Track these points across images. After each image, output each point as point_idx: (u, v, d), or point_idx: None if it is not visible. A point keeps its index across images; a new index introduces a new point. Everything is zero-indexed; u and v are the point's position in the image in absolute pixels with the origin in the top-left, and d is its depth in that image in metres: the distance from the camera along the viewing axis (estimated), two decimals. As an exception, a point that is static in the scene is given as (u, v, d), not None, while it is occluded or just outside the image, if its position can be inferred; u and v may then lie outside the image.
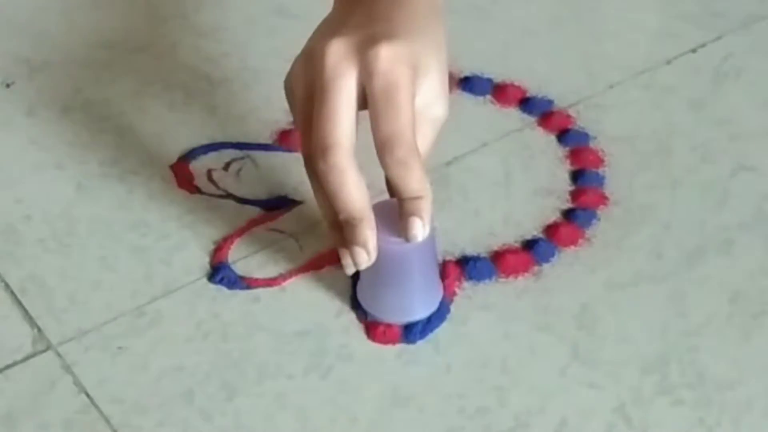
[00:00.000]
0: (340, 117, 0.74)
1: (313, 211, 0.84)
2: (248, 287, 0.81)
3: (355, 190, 0.73)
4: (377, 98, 0.73)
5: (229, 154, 0.90)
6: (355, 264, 0.75)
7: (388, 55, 0.73)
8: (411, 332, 0.78)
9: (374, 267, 0.76)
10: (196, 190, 0.87)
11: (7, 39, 1.01)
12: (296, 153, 0.89)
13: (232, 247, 0.83)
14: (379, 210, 0.75)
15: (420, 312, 0.79)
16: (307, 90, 0.75)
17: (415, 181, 0.74)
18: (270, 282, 0.81)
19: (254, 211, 0.86)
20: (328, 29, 0.76)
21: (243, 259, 0.83)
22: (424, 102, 0.76)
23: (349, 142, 0.74)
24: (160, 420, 0.74)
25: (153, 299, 0.81)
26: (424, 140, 0.77)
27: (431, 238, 0.76)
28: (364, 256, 0.74)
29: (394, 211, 0.75)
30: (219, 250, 0.83)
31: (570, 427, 0.74)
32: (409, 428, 0.74)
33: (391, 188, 0.75)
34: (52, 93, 0.95)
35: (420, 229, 0.75)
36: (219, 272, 0.82)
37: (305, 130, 0.75)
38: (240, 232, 0.85)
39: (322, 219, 0.77)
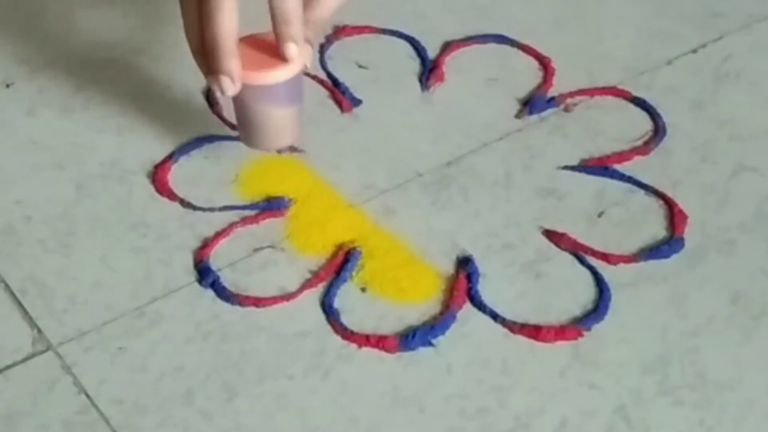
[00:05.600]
0: None
1: (302, 211, 0.85)
2: (240, 305, 0.81)
3: (228, 19, 0.80)
4: None
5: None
6: (221, 91, 0.82)
7: None
8: (407, 343, 0.78)
9: (243, 99, 0.84)
10: (177, 199, 0.87)
11: (7, 39, 1.01)
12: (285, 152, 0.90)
13: (215, 249, 0.83)
14: (245, 45, 0.83)
15: (288, 140, 0.87)
16: None
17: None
18: (263, 301, 0.81)
19: (247, 214, 0.86)
20: None
21: (230, 266, 0.83)
22: None
23: None
24: (160, 420, 0.74)
25: (153, 300, 0.81)
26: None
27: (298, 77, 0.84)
28: (228, 83, 0.82)
29: (261, 46, 0.83)
30: (201, 250, 0.84)
31: (570, 427, 0.74)
32: (410, 429, 0.74)
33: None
34: (52, 93, 0.95)
35: (294, 51, 0.82)
36: (206, 277, 0.82)
37: None
38: (222, 234, 0.85)
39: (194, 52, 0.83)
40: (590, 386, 0.76)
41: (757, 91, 0.96)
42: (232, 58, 0.81)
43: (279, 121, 0.85)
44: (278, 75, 0.83)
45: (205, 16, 0.81)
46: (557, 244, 0.84)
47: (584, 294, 0.81)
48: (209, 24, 0.81)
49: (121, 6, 1.04)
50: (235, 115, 0.87)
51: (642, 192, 0.88)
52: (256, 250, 0.84)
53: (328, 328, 0.79)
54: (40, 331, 0.79)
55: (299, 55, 0.83)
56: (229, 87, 0.82)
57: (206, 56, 0.82)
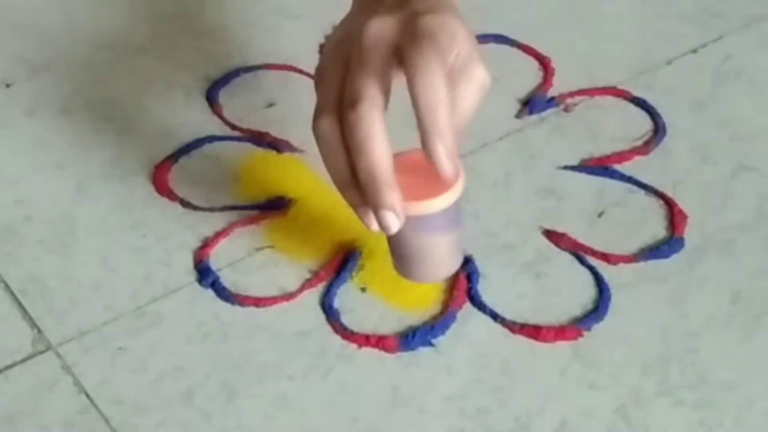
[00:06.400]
0: (378, 73, 0.72)
1: (302, 211, 0.85)
2: (240, 305, 0.81)
3: (383, 146, 0.71)
4: (417, 60, 0.71)
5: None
6: (385, 228, 0.72)
7: (428, 23, 0.73)
8: (407, 343, 0.78)
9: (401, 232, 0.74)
10: (177, 199, 0.87)
11: (7, 39, 1.01)
12: (286, 152, 0.90)
13: (215, 249, 0.83)
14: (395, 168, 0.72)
15: (450, 268, 0.78)
16: (340, 62, 0.74)
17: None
18: (263, 301, 0.81)
19: (247, 214, 0.86)
20: (361, 13, 0.76)
21: (230, 266, 0.83)
22: (464, 63, 0.74)
23: (382, 99, 0.72)
24: (160, 420, 0.74)
25: (153, 300, 0.81)
26: (469, 102, 0.74)
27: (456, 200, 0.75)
28: (393, 218, 0.71)
29: (412, 167, 0.73)
30: (201, 250, 0.83)
31: (570, 427, 0.74)
32: (410, 429, 0.74)
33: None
34: (52, 93, 0.95)
35: (453, 172, 0.72)
36: (206, 277, 0.82)
37: (327, 86, 0.74)
38: (222, 234, 0.85)
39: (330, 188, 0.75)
40: (590, 386, 0.76)
41: (757, 91, 0.96)
42: (392, 191, 0.71)
43: (439, 250, 0.76)
44: (441, 202, 0.73)
45: (356, 146, 0.71)
46: (557, 244, 0.84)
47: (584, 294, 0.81)
48: (363, 155, 0.71)
49: (121, 6, 1.04)
50: (389, 245, 0.77)
51: (642, 192, 0.88)
52: (256, 250, 0.84)
53: (328, 328, 0.79)
54: (40, 331, 0.79)
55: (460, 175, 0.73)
56: (393, 223, 0.71)
57: (361, 190, 0.72)
